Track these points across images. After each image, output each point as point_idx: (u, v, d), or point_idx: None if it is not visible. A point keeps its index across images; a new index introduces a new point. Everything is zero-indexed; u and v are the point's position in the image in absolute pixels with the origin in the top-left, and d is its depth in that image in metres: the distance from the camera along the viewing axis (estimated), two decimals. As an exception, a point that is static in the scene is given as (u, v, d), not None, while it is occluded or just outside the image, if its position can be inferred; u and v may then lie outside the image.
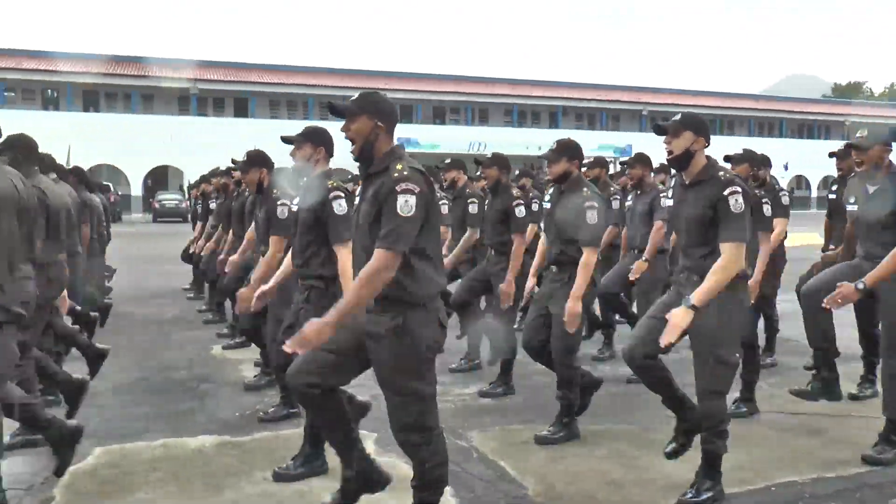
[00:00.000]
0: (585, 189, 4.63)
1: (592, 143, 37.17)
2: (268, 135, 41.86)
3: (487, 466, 4.20)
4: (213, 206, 9.62)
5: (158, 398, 5.14)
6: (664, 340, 3.38)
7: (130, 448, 4.50)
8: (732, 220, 3.50)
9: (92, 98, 42.11)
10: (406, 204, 2.88)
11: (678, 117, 3.73)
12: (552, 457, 4.23)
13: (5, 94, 39.69)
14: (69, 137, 36.24)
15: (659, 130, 3.73)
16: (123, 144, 37.29)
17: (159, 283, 12.16)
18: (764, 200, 5.38)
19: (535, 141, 39.69)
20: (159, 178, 40.93)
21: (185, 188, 40.25)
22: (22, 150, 4.54)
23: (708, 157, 3.69)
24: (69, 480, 4.01)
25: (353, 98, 3.11)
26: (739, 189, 3.53)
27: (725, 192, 3.52)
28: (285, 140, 4.35)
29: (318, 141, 4.19)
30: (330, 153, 4.26)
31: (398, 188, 2.88)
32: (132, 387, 5.98)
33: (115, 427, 4.90)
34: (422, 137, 37.01)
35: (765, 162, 6.22)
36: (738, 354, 3.67)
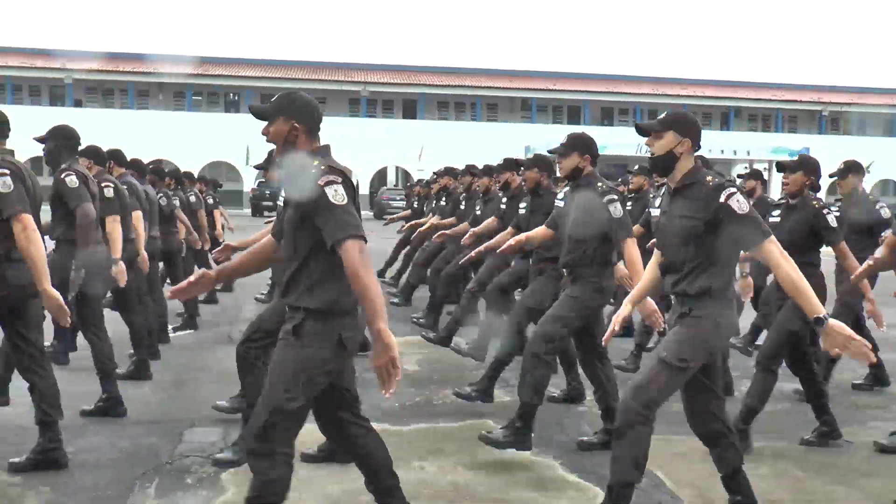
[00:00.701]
0: (601, 184, 4.35)
1: (765, 146, 35.34)
2: (436, 136, 42.78)
3: (643, 475, 4.12)
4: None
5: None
6: None
7: (302, 429, 4.76)
8: (747, 222, 3.11)
9: (268, 100, 44.70)
10: (336, 193, 2.75)
11: (662, 116, 3.39)
12: (711, 470, 4.06)
13: (193, 97, 42.93)
14: (247, 137, 38.85)
15: (639, 131, 3.39)
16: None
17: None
18: (825, 210, 4.60)
19: (704, 143, 38.12)
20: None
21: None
22: (62, 140, 4.91)
23: (696, 161, 3.33)
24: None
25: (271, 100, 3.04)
26: (734, 189, 3.17)
27: (723, 199, 3.13)
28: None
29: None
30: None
31: (321, 182, 2.76)
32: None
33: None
34: (589, 140, 36.62)
35: (852, 169, 5.69)
36: (688, 363, 3.23)
